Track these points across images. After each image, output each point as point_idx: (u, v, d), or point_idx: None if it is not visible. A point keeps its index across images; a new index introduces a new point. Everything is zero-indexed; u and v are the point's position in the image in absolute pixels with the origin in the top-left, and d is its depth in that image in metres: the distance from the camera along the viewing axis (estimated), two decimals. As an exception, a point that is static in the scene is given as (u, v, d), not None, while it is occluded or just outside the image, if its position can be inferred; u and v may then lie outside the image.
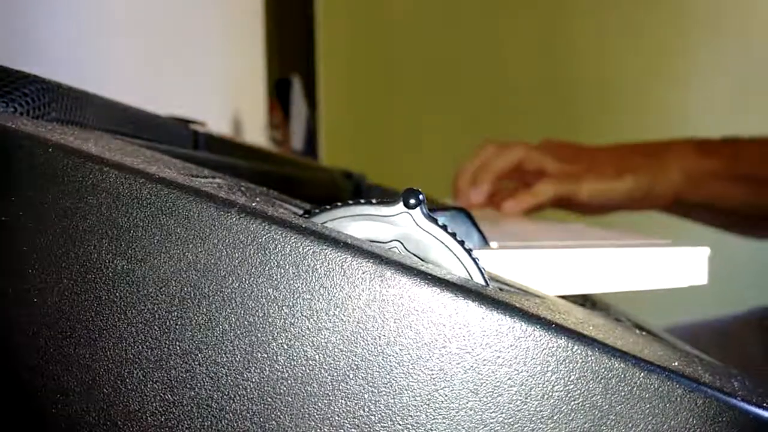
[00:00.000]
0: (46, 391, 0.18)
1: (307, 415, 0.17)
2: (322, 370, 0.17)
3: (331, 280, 0.17)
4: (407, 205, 0.20)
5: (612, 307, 0.36)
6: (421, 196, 0.20)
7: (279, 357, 0.17)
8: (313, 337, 0.17)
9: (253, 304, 0.17)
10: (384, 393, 0.17)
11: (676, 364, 0.19)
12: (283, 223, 0.17)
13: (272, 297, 0.17)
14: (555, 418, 0.17)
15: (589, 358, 0.17)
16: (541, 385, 0.17)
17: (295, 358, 0.17)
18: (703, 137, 0.73)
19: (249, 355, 0.17)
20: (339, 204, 0.21)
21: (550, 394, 0.17)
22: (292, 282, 0.17)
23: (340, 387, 0.17)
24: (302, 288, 0.17)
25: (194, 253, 0.17)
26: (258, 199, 0.21)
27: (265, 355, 0.17)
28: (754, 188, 0.69)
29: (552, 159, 0.69)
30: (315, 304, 0.17)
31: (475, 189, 0.68)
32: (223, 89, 1.00)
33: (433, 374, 0.17)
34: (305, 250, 0.17)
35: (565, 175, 0.68)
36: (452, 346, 0.17)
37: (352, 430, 0.17)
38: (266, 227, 0.17)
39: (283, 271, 0.17)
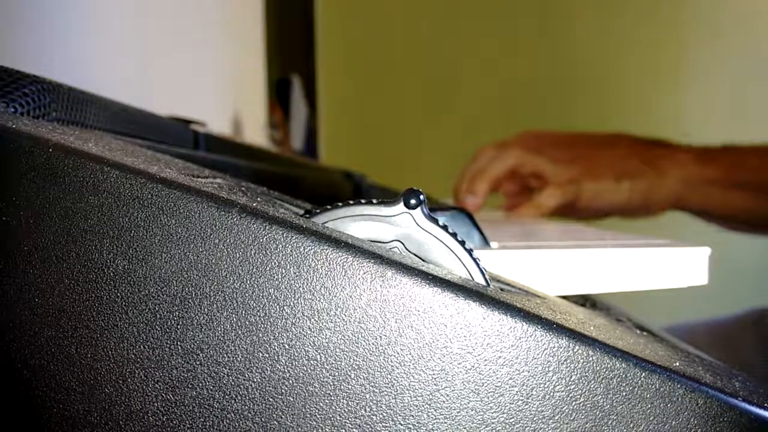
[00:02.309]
0: (47, 391, 0.18)
1: (308, 415, 0.17)
2: (324, 370, 0.17)
3: (332, 280, 0.17)
4: (408, 206, 0.20)
5: (613, 307, 0.36)
6: (421, 197, 0.20)
7: (280, 357, 0.17)
8: (315, 337, 0.17)
9: (254, 304, 0.17)
10: (385, 393, 0.17)
11: (678, 364, 0.19)
12: (284, 224, 0.17)
13: (273, 297, 0.17)
14: (556, 418, 0.17)
15: (591, 359, 0.17)
16: (542, 386, 0.17)
17: (296, 358, 0.17)
18: (702, 145, 0.73)
19: (250, 355, 0.17)
20: (340, 204, 0.21)
21: (552, 394, 0.17)
22: (293, 282, 0.17)
23: (342, 387, 0.17)
24: (303, 288, 0.17)
25: (195, 253, 0.17)
26: (259, 199, 0.21)
27: (267, 355, 0.17)
28: (753, 196, 0.69)
29: (548, 162, 0.69)
30: (316, 304, 0.17)
31: (471, 197, 0.68)
32: (223, 89, 1.00)
33: (434, 374, 0.17)
34: (306, 250, 0.17)
35: (564, 182, 0.67)
36: (453, 346, 0.17)
37: (354, 430, 0.17)
38: (267, 227, 0.17)
39: (284, 271, 0.17)
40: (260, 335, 0.17)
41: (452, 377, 0.17)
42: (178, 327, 0.17)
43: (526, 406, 0.17)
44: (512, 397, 0.17)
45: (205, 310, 0.17)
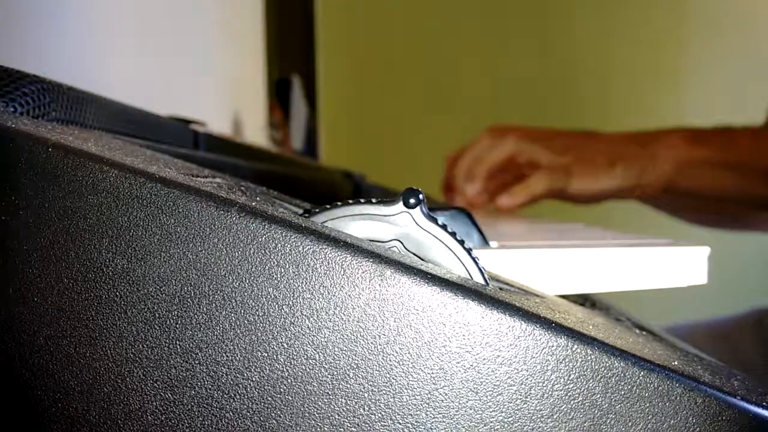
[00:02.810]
0: (46, 391, 0.18)
1: (307, 414, 0.17)
2: (322, 369, 0.17)
3: (331, 279, 0.17)
4: (407, 205, 0.20)
5: (612, 306, 0.36)
6: (421, 196, 0.20)
7: (279, 356, 0.17)
8: (313, 336, 0.17)
9: (253, 304, 0.17)
10: (384, 392, 0.17)
11: (676, 363, 0.19)
12: (283, 223, 0.17)
13: (272, 296, 0.17)
14: (555, 417, 0.17)
15: (589, 357, 0.17)
16: (540, 384, 0.17)
17: (295, 357, 0.17)
18: (695, 127, 0.73)
19: (249, 355, 0.17)
20: (339, 203, 0.21)
21: (550, 393, 0.17)
22: (292, 281, 0.17)
23: (340, 386, 0.17)
24: (302, 287, 0.17)
25: (194, 253, 0.17)
26: (258, 198, 0.21)
27: (265, 355, 0.17)
28: (745, 177, 0.69)
29: (544, 150, 0.69)
30: (315, 303, 0.17)
31: (469, 184, 0.69)
32: (223, 89, 1.00)
33: (432, 373, 0.17)
34: (305, 250, 0.17)
35: (557, 166, 0.68)
36: (452, 345, 0.17)
37: (352, 429, 0.17)
38: (266, 226, 0.17)
39: (283, 270, 0.17)
40: (259, 334, 0.17)
41: (451, 376, 0.17)
42: (177, 326, 0.17)
43: (525, 405, 0.17)
44: (511, 396, 0.17)
45: (204, 309, 0.17)
